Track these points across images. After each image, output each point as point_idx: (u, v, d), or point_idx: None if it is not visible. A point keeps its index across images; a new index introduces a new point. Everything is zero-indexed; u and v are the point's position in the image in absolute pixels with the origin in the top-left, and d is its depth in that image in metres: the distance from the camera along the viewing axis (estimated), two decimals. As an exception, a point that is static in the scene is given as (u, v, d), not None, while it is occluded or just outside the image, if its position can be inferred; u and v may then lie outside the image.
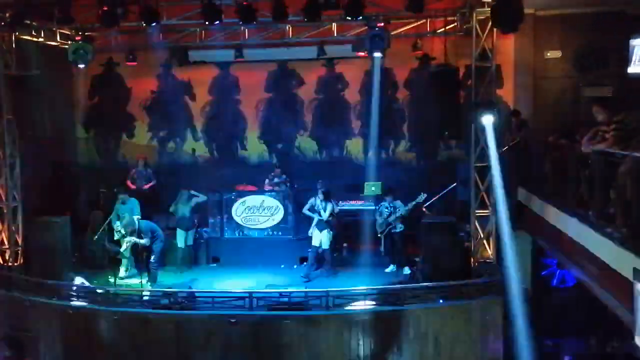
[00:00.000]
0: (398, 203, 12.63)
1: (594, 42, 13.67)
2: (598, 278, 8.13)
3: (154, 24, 11.69)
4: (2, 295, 11.23)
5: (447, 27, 12.69)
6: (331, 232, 12.54)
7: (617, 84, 12.98)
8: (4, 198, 12.20)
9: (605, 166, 8.08)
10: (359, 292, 10.74)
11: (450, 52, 12.89)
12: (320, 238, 12.50)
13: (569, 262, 9.48)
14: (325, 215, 12.49)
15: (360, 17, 11.31)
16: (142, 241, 11.82)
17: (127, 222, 11.88)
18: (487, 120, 10.62)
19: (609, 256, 7.60)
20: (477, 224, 11.41)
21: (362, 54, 13.53)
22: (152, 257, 11.91)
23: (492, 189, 11.02)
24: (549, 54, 14.19)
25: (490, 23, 10.68)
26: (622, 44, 11.95)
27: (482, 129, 10.87)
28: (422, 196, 12.51)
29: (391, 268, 12.72)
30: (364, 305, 10.45)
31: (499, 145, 10.93)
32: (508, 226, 10.42)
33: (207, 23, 11.53)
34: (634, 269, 6.59)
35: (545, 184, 10.85)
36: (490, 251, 11.37)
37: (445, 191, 13.04)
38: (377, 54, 12.25)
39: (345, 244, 13.66)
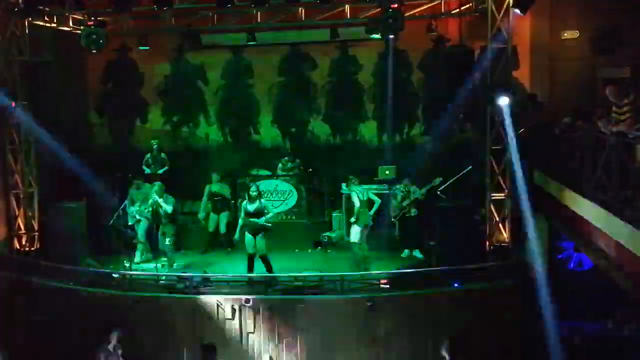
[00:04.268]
0: (413, 187, 12.50)
1: (610, 22, 13.42)
2: (615, 261, 8.06)
3: (166, 7, 11.66)
4: (19, 280, 11.35)
5: (462, 8, 12.53)
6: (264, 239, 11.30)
7: (635, 64, 12.78)
8: (20, 184, 12.31)
9: (623, 148, 7.97)
10: (374, 276, 10.73)
11: (465, 34, 12.71)
12: (255, 244, 11.27)
13: (586, 245, 9.39)
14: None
15: (374, -1, 11.21)
16: (167, 207, 11.89)
17: (157, 188, 11.99)
18: (503, 102, 10.51)
19: (626, 239, 7.52)
20: (492, 208, 11.33)
21: (375, 36, 13.39)
22: (168, 240, 11.94)
23: (508, 172, 10.94)
24: (565, 35, 13.96)
25: (506, 3, 10.53)
26: (639, 24, 11.80)
27: (498, 111, 10.76)
28: (438, 180, 12.33)
29: (406, 253, 12.65)
30: (378, 289, 10.43)
31: (514, 128, 10.81)
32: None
33: (219, 6, 11.47)
34: (653, 252, 6.54)
35: (562, 166, 10.73)
36: (505, 235, 11.30)
37: (460, 174, 12.91)
38: (391, 36, 12.11)
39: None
